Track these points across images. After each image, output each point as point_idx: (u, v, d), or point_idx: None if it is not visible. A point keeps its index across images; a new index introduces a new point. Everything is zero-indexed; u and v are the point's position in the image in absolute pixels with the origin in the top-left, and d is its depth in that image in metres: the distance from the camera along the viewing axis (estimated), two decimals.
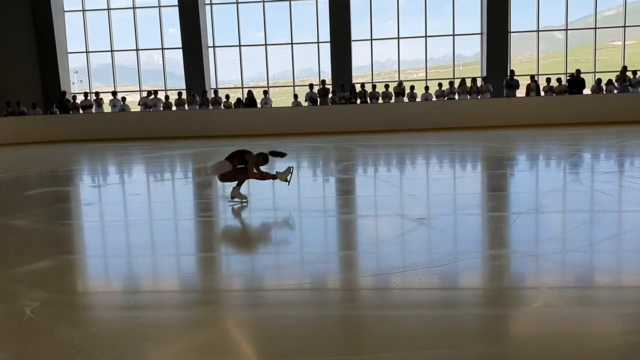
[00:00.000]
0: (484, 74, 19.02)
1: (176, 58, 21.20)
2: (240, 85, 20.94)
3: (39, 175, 10.17)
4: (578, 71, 17.35)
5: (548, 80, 17.28)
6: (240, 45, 20.80)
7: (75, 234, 5.66)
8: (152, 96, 18.22)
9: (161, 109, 18.00)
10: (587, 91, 17.40)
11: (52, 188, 8.56)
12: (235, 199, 6.34)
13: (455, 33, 20.16)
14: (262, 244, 5.08)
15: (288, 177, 6.41)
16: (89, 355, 2.66)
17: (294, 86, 20.52)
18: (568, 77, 17.48)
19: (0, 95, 18.46)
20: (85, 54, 21.34)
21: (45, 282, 3.91)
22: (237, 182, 6.32)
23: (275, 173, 6.49)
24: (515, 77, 17.27)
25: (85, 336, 2.89)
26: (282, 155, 6.30)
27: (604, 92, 16.94)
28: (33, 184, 9.29)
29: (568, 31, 20.12)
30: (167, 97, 18.51)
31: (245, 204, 6.30)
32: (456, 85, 17.77)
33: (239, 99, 18.69)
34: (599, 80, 17.23)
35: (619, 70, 17.36)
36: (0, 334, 3.10)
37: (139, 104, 18.23)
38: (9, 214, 6.35)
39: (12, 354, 2.81)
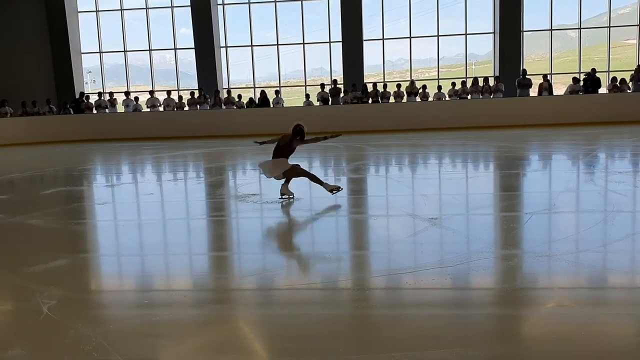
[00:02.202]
0: (497, 73, 18.92)
1: (188, 58, 21.33)
2: (252, 85, 21.01)
3: (54, 175, 10.29)
4: (593, 70, 17.19)
5: (576, 80, 17.10)
6: (252, 45, 20.86)
7: (89, 233, 5.73)
8: (166, 96, 18.31)
9: (174, 108, 18.10)
10: (602, 90, 17.24)
11: (66, 187, 8.65)
12: (285, 195, 6.38)
13: (467, 32, 20.07)
14: (274, 243, 5.10)
15: (334, 191, 6.34)
16: (106, 352, 2.70)
17: (305, 86, 20.55)
18: (584, 77, 17.33)
19: (16, 95, 18.66)
20: (98, 54, 21.52)
21: (61, 280, 3.97)
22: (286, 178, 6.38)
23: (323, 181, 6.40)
24: (527, 76, 17.15)
25: (101, 333, 2.93)
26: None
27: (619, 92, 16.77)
28: (48, 183, 9.41)
29: (582, 30, 19.95)
30: (180, 97, 18.61)
31: (292, 199, 6.35)
32: (468, 84, 17.70)
33: (251, 98, 18.73)
34: (614, 79, 17.05)
35: (634, 69, 17.17)
36: (18, 332, 3.15)
37: (147, 105, 18.34)
38: (25, 213, 6.43)
39: (30, 351, 2.86)
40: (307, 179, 6.42)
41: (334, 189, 6.33)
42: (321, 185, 6.32)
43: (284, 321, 3.15)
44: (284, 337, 2.91)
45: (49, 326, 3.09)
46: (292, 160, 6.43)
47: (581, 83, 17.07)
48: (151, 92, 18.50)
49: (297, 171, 6.36)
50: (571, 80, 17.26)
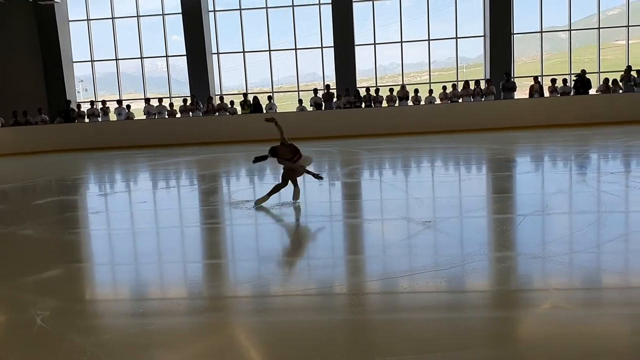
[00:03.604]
0: (488, 76, 19.01)
1: (180, 65, 21.31)
2: (245, 91, 21.00)
3: (47, 185, 10.24)
4: (583, 71, 17.30)
5: (553, 81, 17.24)
6: (244, 52, 20.88)
7: (83, 243, 5.70)
8: (158, 104, 18.29)
9: (166, 116, 18.07)
10: (593, 91, 17.34)
11: (59, 197, 8.61)
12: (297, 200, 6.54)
13: (458, 36, 20.17)
14: (268, 249, 5.09)
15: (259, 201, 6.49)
16: None
17: (298, 91, 20.58)
18: (575, 78, 17.43)
19: (7, 105, 18.60)
20: (90, 62, 21.47)
21: (54, 290, 3.94)
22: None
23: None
24: (511, 79, 17.24)
25: (96, 344, 2.91)
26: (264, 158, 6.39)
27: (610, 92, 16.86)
28: (41, 193, 9.36)
29: (571, 31, 20.09)
30: (171, 104, 18.59)
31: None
32: (460, 87, 17.77)
33: (244, 94, 18.61)
34: (606, 80, 17.15)
35: (624, 69, 17.31)
36: (12, 343, 3.13)
37: (144, 113, 18.33)
38: (18, 224, 6.39)
39: None
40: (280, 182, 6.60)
41: (260, 201, 6.45)
42: (272, 190, 6.49)
43: (280, 328, 3.14)
44: (279, 344, 2.90)
45: (42, 337, 3.07)
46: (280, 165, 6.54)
47: (568, 84, 17.19)
48: (147, 100, 18.49)
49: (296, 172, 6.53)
50: (550, 82, 17.35)
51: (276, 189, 6.49)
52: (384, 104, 17.60)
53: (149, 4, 22.05)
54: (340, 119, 17.08)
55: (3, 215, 7.30)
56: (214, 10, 20.76)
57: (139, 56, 21.20)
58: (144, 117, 18.29)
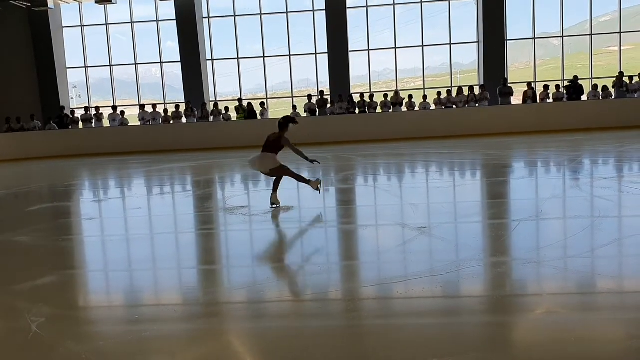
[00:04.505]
0: (482, 82, 19.09)
1: (175, 71, 21.29)
2: (239, 97, 21.00)
3: (40, 191, 10.19)
4: (576, 77, 17.40)
5: (546, 87, 17.33)
6: (238, 58, 20.90)
7: (77, 249, 5.68)
8: (152, 110, 18.26)
9: (160, 122, 18.05)
10: (585, 97, 17.44)
11: (53, 203, 8.57)
12: (274, 205, 6.57)
13: (451, 42, 20.26)
14: (263, 255, 5.09)
15: (319, 187, 6.75)
16: None
17: (292, 97, 20.59)
18: (567, 84, 17.53)
19: (0, 111, 18.51)
20: (84, 68, 21.43)
21: (49, 297, 3.93)
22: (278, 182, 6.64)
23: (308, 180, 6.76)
24: (508, 85, 17.33)
25: (91, 350, 2.90)
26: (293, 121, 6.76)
27: (601, 98, 16.96)
28: (34, 200, 9.31)
29: (564, 38, 20.23)
30: (165, 110, 18.56)
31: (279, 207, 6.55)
32: (454, 93, 17.84)
33: (239, 100, 18.60)
34: (595, 86, 17.26)
35: (616, 75, 17.43)
36: (7, 351, 3.11)
37: (139, 119, 18.29)
38: (11, 231, 6.36)
39: None
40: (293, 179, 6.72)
41: (318, 185, 6.74)
42: (307, 184, 6.69)
43: (275, 334, 3.13)
44: (275, 350, 2.90)
45: (38, 344, 3.05)
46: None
47: (561, 90, 17.29)
48: (141, 106, 18.45)
49: (284, 170, 6.56)
50: (543, 88, 17.45)
51: (276, 183, 6.61)
52: (378, 109, 17.64)
53: (143, 11, 22.08)
54: (335, 125, 17.10)
55: None
56: (209, 17, 20.79)
57: (133, 62, 21.18)
58: (139, 123, 18.24)
